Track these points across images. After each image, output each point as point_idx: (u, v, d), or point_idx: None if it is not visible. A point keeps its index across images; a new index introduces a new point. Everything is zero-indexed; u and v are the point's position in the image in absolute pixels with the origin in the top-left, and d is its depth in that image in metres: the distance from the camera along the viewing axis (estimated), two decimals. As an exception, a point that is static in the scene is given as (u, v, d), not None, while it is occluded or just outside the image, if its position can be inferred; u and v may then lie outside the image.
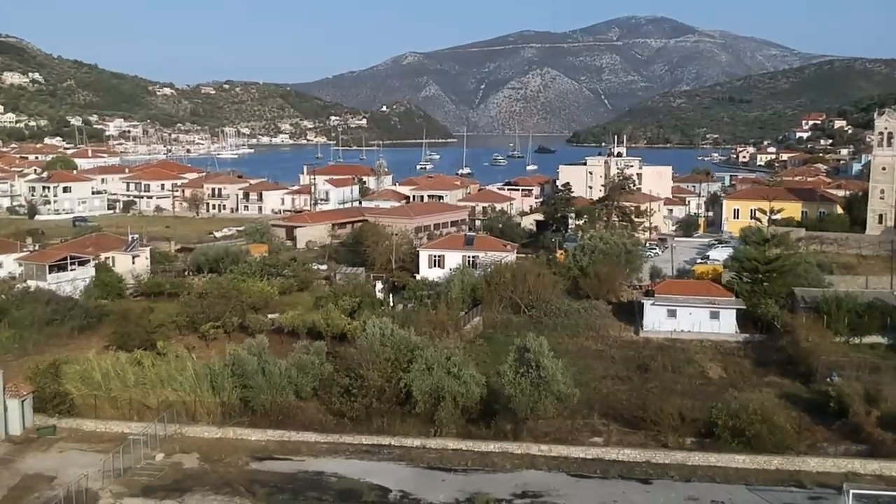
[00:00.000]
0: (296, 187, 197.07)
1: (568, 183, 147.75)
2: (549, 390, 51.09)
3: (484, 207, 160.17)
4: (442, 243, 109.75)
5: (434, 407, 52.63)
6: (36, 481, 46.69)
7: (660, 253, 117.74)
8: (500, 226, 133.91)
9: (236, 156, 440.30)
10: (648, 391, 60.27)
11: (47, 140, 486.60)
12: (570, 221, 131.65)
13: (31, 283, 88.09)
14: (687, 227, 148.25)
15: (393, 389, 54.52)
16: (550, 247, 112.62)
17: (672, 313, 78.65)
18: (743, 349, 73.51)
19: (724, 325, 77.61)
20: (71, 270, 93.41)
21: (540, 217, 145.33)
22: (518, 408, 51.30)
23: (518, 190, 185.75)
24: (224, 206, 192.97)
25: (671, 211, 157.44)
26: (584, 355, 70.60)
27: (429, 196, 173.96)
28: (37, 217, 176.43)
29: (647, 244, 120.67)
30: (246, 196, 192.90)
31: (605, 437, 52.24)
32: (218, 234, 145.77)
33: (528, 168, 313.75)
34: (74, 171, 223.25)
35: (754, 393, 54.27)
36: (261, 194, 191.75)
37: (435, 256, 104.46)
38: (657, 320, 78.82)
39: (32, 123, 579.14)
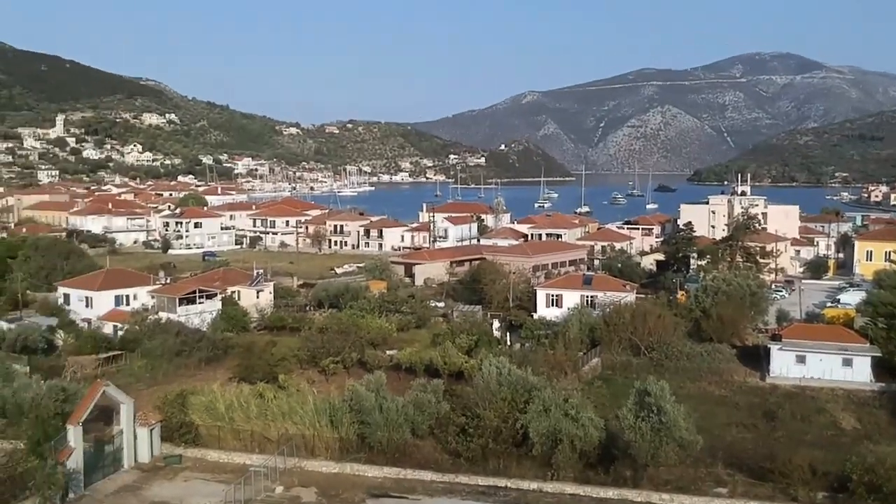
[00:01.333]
0: (415, 225, 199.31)
1: (689, 222, 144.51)
2: (670, 436, 49.52)
3: (603, 246, 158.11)
4: (560, 282, 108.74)
5: (551, 449, 51.72)
6: (162, 508, 48.09)
7: (787, 295, 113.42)
8: (620, 265, 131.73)
9: (355, 193, 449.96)
10: (776, 441, 57.74)
11: (181, 178, 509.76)
12: (692, 262, 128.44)
13: (163, 315, 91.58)
14: (816, 268, 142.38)
15: (509, 430, 53.91)
16: (671, 287, 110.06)
17: (801, 359, 75.40)
18: (879, 399, 69.65)
19: (858, 372, 73.82)
20: (199, 303, 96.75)
21: (660, 257, 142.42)
22: (638, 454, 49.86)
23: (638, 229, 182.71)
24: (345, 242, 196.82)
25: (798, 252, 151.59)
26: (707, 401, 68.31)
27: (547, 234, 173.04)
28: (169, 251, 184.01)
29: (774, 286, 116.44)
30: (367, 233, 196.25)
31: (731, 488, 50.16)
32: (339, 271, 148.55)
33: (648, 207, 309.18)
34: (205, 208, 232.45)
35: (892, 446, 51.25)
36: (381, 231, 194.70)
37: (553, 295, 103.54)
38: (785, 366, 75.68)
39: (168, 162, 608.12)
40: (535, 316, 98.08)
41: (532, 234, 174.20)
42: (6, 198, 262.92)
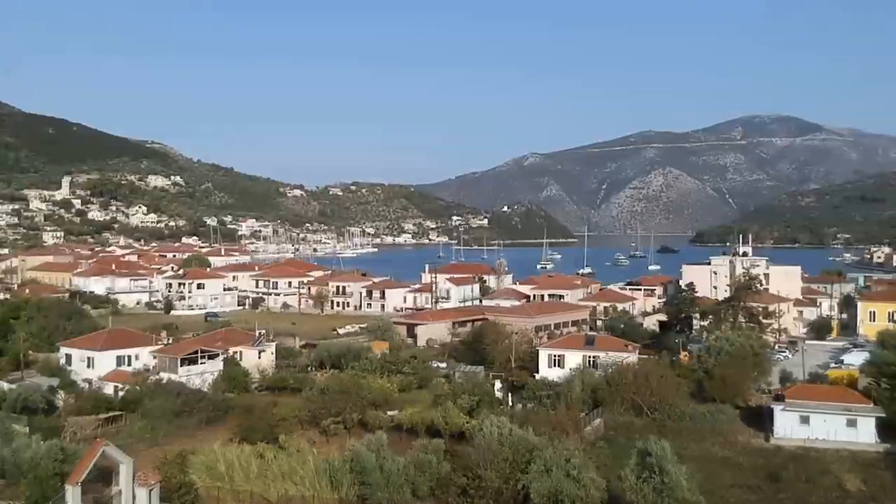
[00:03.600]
0: (417, 286, 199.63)
1: (692, 283, 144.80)
2: (673, 497, 49.09)
3: (605, 307, 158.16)
4: (562, 343, 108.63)
5: (553, 511, 51.24)
6: (159, 571, 47.48)
7: (790, 356, 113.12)
8: (622, 326, 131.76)
9: (355, 255, 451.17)
10: (781, 503, 57.13)
11: (185, 239, 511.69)
12: (695, 322, 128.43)
13: (164, 375, 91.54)
14: (819, 329, 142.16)
15: (511, 491, 53.48)
16: (674, 348, 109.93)
17: (805, 420, 74.95)
18: (884, 460, 68.99)
19: (863, 433, 73.30)
20: (201, 364, 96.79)
21: (663, 317, 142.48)
22: (640, 515, 49.40)
23: (640, 290, 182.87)
24: (348, 303, 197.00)
25: (801, 313, 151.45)
26: (711, 462, 67.72)
27: (549, 295, 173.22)
28: (172, 312, 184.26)
29: (777, 347, 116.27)
30: (369, 294, 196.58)
31: (735, 551, 49.57)
32: (341, 331, 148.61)
33: (651, 268, 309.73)
34: (208, 269, 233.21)
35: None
36: (383, 292, 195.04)
37: (555, 356, 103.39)
38: (789, 427, 75.20)
39: (172, 223, 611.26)
40: (537, 376, 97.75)
41: (534, 295, 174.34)
42: (10, 259, 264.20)
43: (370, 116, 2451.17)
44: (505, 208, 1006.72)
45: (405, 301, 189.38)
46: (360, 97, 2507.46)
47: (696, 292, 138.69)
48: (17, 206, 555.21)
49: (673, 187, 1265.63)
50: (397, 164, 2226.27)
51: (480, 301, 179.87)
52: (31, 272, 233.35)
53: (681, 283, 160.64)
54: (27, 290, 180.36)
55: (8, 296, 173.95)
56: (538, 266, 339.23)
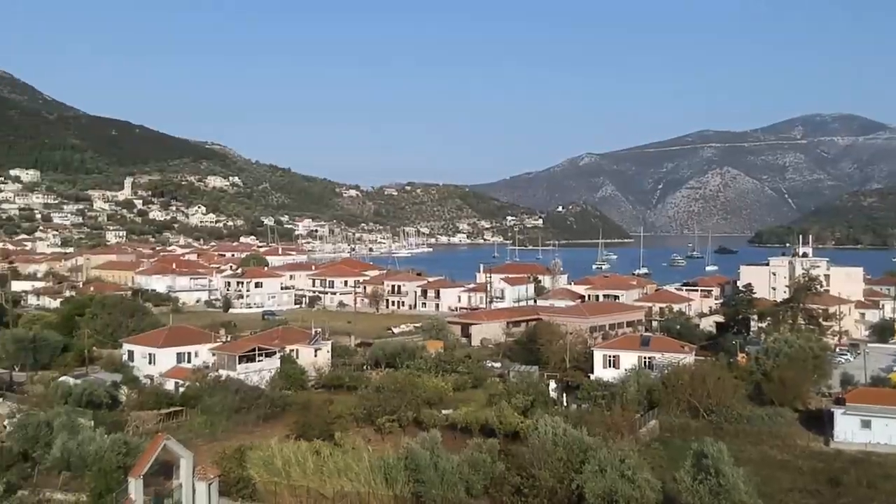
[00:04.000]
0: (472, 285, 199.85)
1: (749, 284, 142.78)
2: (729, 500, 48.59)
3: (661, 308, 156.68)
4: (617, 343, 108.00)
5: (607, 511, 51.08)
6: (218, 563, 48.44)
7: (851, 359, 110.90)
8: (678, 327, 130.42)
9: (410, 254, 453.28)
10: (840, 507, 56.21)
11: (243, 239, 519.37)
12: (753, 324, 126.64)
13: (223, 372, 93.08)
14: (881, 332, 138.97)
15: (565, 491, 53.40)
16: (731, 349, 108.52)
17: (866, 424, 73.53)
18: (948, 466, 67.37)
19: (927, 438, 71.69)
20: (258, 361, 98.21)
21: (720, 319, 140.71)
22: (696, 517, 48.98)
23: (697, 291, 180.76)
24: (403, 302, 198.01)
25: (863, 315, 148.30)
26: (769, 465, 66.85)
27: (604, 296, 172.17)
28: (231, 310, 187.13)
29: (837, 349, 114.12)
30: (424, 293, 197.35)
31: (792, 554, 48.89)
32: (396, 330, 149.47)
33: (708, 269, 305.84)
34: (266, 268, 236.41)
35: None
36: (438, 292, 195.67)
37: (610, 356, 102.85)
38: (849, 431, 73.84)
39: (230, 223, 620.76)
40: (592, 377, 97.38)
41: (589, 295, 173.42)
42: (76, 257, 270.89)
43: (425, 117, 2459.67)
44: (560, 208, 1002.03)
45: (459, 300, 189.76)
46: (415, 97, 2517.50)
47: (755, 293, 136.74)
48: (81, 207, 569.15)
49: (731, 187, 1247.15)
50: (452, 164, 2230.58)
51: (535, 301, 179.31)
52: (95, 270, 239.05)
53: (738, 283, 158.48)
54: (91, 288, 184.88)
55: (73, 293, 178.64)
56: (593, 266, 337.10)
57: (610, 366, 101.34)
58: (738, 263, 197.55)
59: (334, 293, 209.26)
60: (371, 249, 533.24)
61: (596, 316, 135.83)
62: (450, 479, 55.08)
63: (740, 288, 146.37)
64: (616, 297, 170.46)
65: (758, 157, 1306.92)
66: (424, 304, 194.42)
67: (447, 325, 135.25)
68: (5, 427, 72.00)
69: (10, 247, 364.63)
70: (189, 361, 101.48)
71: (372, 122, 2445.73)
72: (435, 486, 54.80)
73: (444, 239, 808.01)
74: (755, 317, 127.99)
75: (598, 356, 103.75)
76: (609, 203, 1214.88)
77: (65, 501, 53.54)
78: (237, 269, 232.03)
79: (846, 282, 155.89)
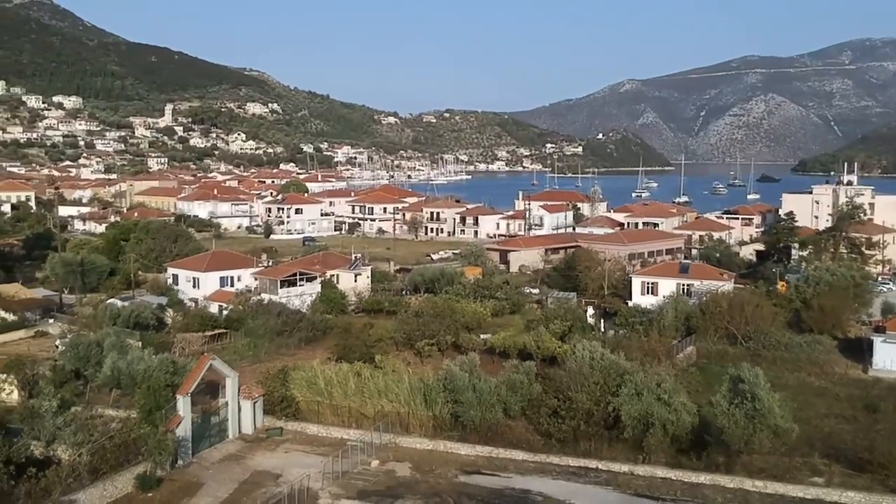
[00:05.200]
0: (511, 213, 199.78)
1: (791, 212, 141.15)
2: (764, 424, 49.10)
3: (701, 236, 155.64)
4: (656, 270, 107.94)
5: (643, 433, 51.88)
6: (263, 477, 50.13)
7: (893, 288, 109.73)
8: (718, 255, 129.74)
9: (445, 181, 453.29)
10: (877, 433, 56.38)
11: (283, 165, 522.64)
12: (794, 252, 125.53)
13: (265, 296, 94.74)
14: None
15: (601, 413, 54.27)
16: (771, 277, 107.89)
17: (906, 352, 73.26)
18: None
19: (967, 367, 71.37)
20: (299, 286, 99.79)
21: (760, 247, 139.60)
22: (731, 440, 49.56)
23: (738, 219, 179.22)
24: (441, 229, 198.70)
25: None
26: (806, 391, 67.10)
27: (644, 223, 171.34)
28: (271, 236, 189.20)
29: (879, 278, 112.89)
30: (462, 220, 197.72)
31: (827, 478, 49.40)
32: (435, 257, 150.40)
33: (750, 197, 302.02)
34: (305, 195, 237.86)
35: None
36: (477, 219, 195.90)
37: (648, 283, 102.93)
38: (889, 359, 73.62)
39: (270, 150, 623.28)
40: (630, 303, 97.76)
41: (628, 223, 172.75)
42: (119, 184, 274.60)
43: (463, 44, 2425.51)
44: (600, 136, 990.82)
45: (498, 228, 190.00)
46: (454, 24, 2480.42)
47: (797, 221, 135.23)
48: (123, 133, 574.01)
49: (775, 114, 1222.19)
50: (491, 91, 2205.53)
51: (574, 228, 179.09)
52: (138, 196, 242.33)
53: (780, 212, 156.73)
54: (135, 214, 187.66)
55: (118, 219, 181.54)
56: (633, 194, 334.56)
57: (648, 293, 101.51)
58: (780, 192, 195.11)
59: (373, 220, 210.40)
60: (409, 177, 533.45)
61: (635, 243, 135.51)
62: (487, 401, 56.14)
63: (782, 216, 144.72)
64: (655, 224, 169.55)
65: (804, 84, 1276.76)
66: (463, 231, 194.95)
67: (486, 252, 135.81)
68: (58, 347, 74.41)
69: (56, 173, 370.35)
70: (232, 285, 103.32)
71: (410, 48, 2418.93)
72: (473, 407, 55.92)
73: (482, 166, 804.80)
74: (796, 245, 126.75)
75: (637, 283, 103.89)
76: (650, 130, 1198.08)
77: (116, 417, 55.48)
78: (277, 195, 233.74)
79: (891, 210, 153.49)
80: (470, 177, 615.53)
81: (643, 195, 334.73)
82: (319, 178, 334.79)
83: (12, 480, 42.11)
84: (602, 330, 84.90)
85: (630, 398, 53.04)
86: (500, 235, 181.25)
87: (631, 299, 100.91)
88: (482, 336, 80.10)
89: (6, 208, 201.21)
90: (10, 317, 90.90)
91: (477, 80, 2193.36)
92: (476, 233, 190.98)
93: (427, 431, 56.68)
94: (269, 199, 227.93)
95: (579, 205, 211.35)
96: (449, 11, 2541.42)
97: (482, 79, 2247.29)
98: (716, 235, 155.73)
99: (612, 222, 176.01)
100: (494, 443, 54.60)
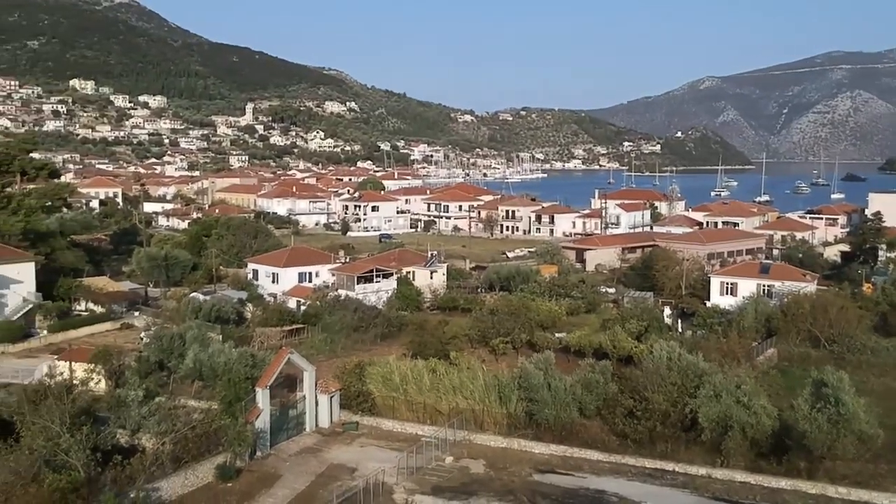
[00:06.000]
0: (587, 211, 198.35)
1: (878, 212, 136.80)
2: (848, 429, 47.77)
3: (783, 236, 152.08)
4: (735, 270, 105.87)
5: (721, 436, 50.96)
6: (339, 470, 50.78)
7: None
8: (800, 255, 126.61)
9: (520, 180, 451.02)
10: (968, 441, 54.36)
11: (360, 163, 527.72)
12: (881, 253, 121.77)
13: (342, 292, 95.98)
14: None
15: (678, 414, 53.50)
16: (857, 279, 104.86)
17: None
18: None
19: None
20: (376, 282, 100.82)
21: (845, 248, 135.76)
22: (813, 445, 48.34)
23: (821, 219, 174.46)
24: (517, 227, 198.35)
25: None
26: (891, 397, 64.73)
27: (723, 223, 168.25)
28: (348, 233, 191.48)
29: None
30: (538, 219, 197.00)
31: (915, 486, 47.87)
32: (510, 255, 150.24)
33: (834, 196, 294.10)
34: (382, 192, 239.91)
35: None
36: (552, 217, 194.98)
37: (727, 284, 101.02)
38: (981, 365, 70.92)
39: (347, 148, 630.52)
40: (708, 304, 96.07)
41: (707, 222, 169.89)
42: (202, 181, 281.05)
43: (541, 41, 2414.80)
44: (678, 134, 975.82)
45: (574, 226, 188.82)
46: (531, 21, 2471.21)
47: (884, 222, 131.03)
48: (206, 132, 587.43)
49: (862, 111, 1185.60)
50: (568, 89, 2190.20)
51: (651, 227, 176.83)
52: (219, 193, 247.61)
53: (867, 212, 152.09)
54: (216, 210, 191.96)
55: (200, 215, 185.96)
56: (712, 193, 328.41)
57: (727, 293, 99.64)
58: (866, 191, 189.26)
59: (449, 217, 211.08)
60: (485, 175, 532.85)
61: (714, 243, 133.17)
62: (562, 399, 55.88)
63: (868, 216, 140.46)
64: (735, 224, 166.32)
65: (893, 80, 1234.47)
66: (538, 229, 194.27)
67: (561, 250, 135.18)
68: (143, 339, 76.61)
69: (142, 170, 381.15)
70: (310, 281, 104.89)
71: (487, 46, 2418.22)
72: (548, 405, 55.72)
73: (558, 165, 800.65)
74: (884, 246, 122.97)
75: (715, 283, 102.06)
76: (730, 128, 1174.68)
77: (198, 408, 56.79)
78: (354, 193, 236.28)
79: None
80: (545, 175, 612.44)
81: (722, 194, 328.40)
82: (396, 176, 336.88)
83: (99, 467, 43.40)
84: (679, 330, 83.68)
85: (708, 400, 52.16)
86: (575, 234, 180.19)
87: (709, 300, 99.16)
88: (557, 335, 79.74)
89: (95, 204, 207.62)
90: (99, 309, 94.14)
91: (554, 77, 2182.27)
92: (552, 231, 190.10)
93: (501, 429, 56.67)
94: (347, 196, 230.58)
95: (657, 204, 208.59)
96: (527, 8, 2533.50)
97: (560, 76, 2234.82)
98: (798, 235, 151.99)
99: (691, 221, 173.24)
100: (569, 442, 54.30)
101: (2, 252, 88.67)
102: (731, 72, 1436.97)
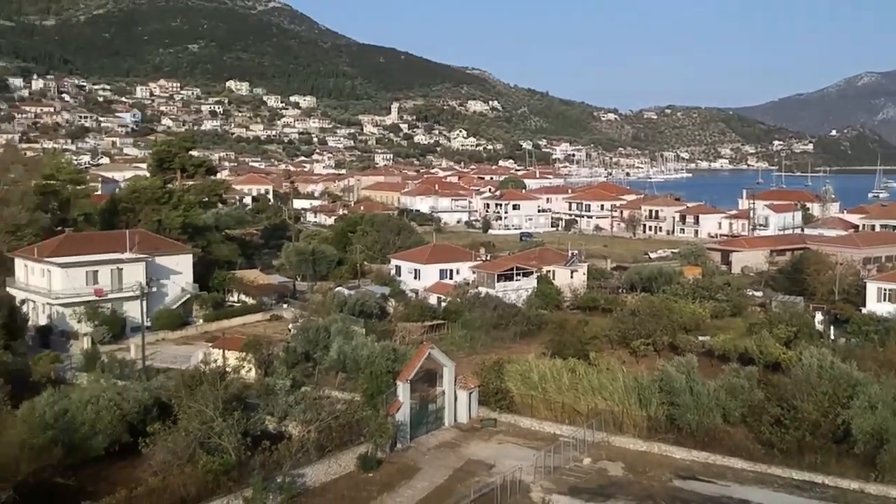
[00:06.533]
0: (733, 212, 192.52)
1: None
2: None
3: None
4: (895, 276, 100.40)
5: (876, 449, 48.56)
6: (477, 466, 51.30)
7: None
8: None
9: (662, 179, 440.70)
10: None
11: (501, 162, 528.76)
12: None
13: (482, 290, 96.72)
14: None
15: (829, 425, 51.29)
16: None
17: None
18: None
19: None
20: (516, 280, 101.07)
21: None
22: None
23: None
24: (660, 227, 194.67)
25: None
26: None
27: (881, 226, 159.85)
28: (489, 231, 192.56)
29: None
30: (682, 219, 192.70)
31: None
32: (652, 255, 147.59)
33: None
34: (523, 191, 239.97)
35: None
36: (697, 217, 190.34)
37: (885, 290, 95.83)
38: None
39: (489, 147, 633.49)
40: (864, 310, 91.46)
41: (863, 225, 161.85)
42: (348, 179, 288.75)
43: (687, 36, 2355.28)
44: (833, 132, 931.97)
45: (720, 227, 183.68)
46: (677, 17, 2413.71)
47: None
48: (352, 131, 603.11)
49: None
50: (715, 86, 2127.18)
51: (802, 230, 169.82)
52: (364, 191, 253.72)
53: None
54: (361, 207, 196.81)
55: (346, 212, 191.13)
56: (870, 195, 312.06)
57: (885, 300, 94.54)
58: None
59: (590, 217, 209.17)
60: (628, 174, 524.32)
61: (871, 246, 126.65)
62: (705, 404, 54.56)
63: None
64: (895, 227, 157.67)
65: None
66: (682, 229, 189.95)
67: (706, 252, 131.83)
68: (290, 330, 79.54)
69: (292, 168, 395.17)
70: (451, 278, 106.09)
71: (630, 43, 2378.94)
72: (690, 409, 54.52)
73: (703, 164, 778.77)
74: None
75: (872, 289, 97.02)
76: (890, 127, 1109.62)
77: (341, 399, 58.47)
78: (496, 191, 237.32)
79: None
80: (690, 175, 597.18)
81: (881, 195, 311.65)
82: (537, 175, 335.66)
83: (248, 451, 45.44)
84: (831, 337, 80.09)
85: (862, 411, 49.82)
86: (721, 235, 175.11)
87: (864, 306, 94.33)
88: (700, 338, 77.83)
89: (248, 201, 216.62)
90: (250, 300, 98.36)
91: (701, 74, 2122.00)
92: (696, 232, 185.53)
93: (641, 432, 55.86)
94: (488, 194, 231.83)
95: (808, 205, 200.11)
96: (673, 3, 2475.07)
97: (706, 73, 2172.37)
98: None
99: (845, 224, 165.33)
100: (711, 448, 52.98)
101: (163, 245, 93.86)
102: (891, 67, 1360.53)
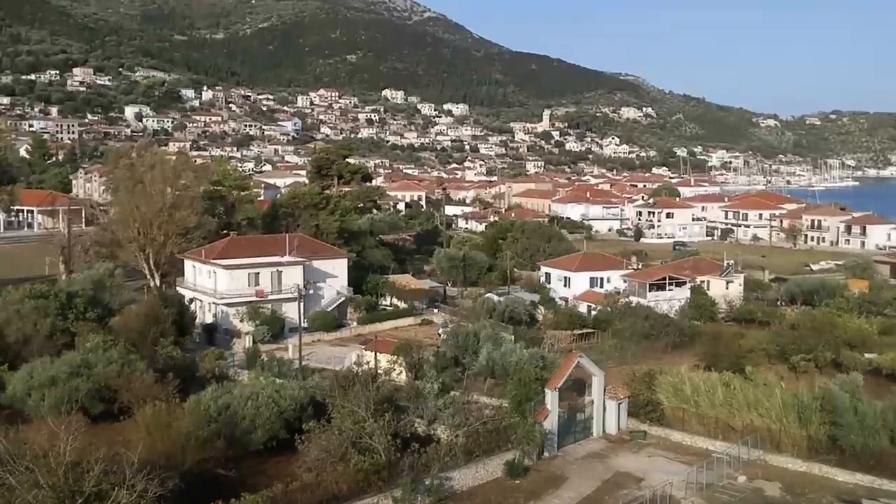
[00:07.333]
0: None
1: None
2: None
3: None
4: None
5: None
6: (626, 479, 50.35)
7: None
8: None
9: (825, 188, 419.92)
10: None
11: (654, 169, 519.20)
12: None
13: (633, 299, 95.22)
14: None
15: None
16: None
17: None
18: None
19: None
20: (668, 290, 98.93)
21: None
22: None
23: None
24: (823, 238, 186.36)
25: None
26: None
27: None
28: (641, 239, 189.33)
29: None
30: (847, 229, 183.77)
31: None
32: (815, 267, 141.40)
33: None
34: (677, 199, 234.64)
35: None
36: (864, 228, 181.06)
37: None
38: None
39: (643, 154, 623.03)
40: None
41: None
42: (499, 185, 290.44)
43: (854, 37, 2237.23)
44: None
45: (889, 239, 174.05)
46: (843, 16, 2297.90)
47: None
48: (504, 138, 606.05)
49: None
50: (886, 89, 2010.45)
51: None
52: (515, 198, 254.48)
53: None
54: (512, 214, 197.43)
55: (496, 219, 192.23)
56: None
57: None
58: None
59: (748, 226, 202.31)
60: (788, 182, 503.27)
61: None
62: (871, 426, 51.63)
63: None
64: None
65: None
66: (848, 240, 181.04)
67: (874, 264, 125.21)
68: (440, 335, 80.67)
69: (444, 175, 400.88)
70: (601, 286, 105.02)
71: (792, 45, 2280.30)
72: (854, 430, 51.73)
73: (872, 172, 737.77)
74: None
75: None
76: None
77: (489, 404, 58.70)
78: (649, 199, 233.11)
79: None
80: (857, 183, 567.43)
81: None
82: (692, 183, 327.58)
83: (398, 452, 46.32)
84: None
85: None
86: (891, 247, 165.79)
87: None
88: (867, 355, 73.87)
89: (401, 206, 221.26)
90: (402, 304, 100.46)
91: (870, 77, 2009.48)
92: (863, 243, 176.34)
93: (800, 452, 53.38)
94: (641, 202, 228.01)
95: None
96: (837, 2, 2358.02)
97: (876, 75, 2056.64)
98: None
99: None
100: (878, 472, 50.03)
101: (320, 248, 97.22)
102: None
